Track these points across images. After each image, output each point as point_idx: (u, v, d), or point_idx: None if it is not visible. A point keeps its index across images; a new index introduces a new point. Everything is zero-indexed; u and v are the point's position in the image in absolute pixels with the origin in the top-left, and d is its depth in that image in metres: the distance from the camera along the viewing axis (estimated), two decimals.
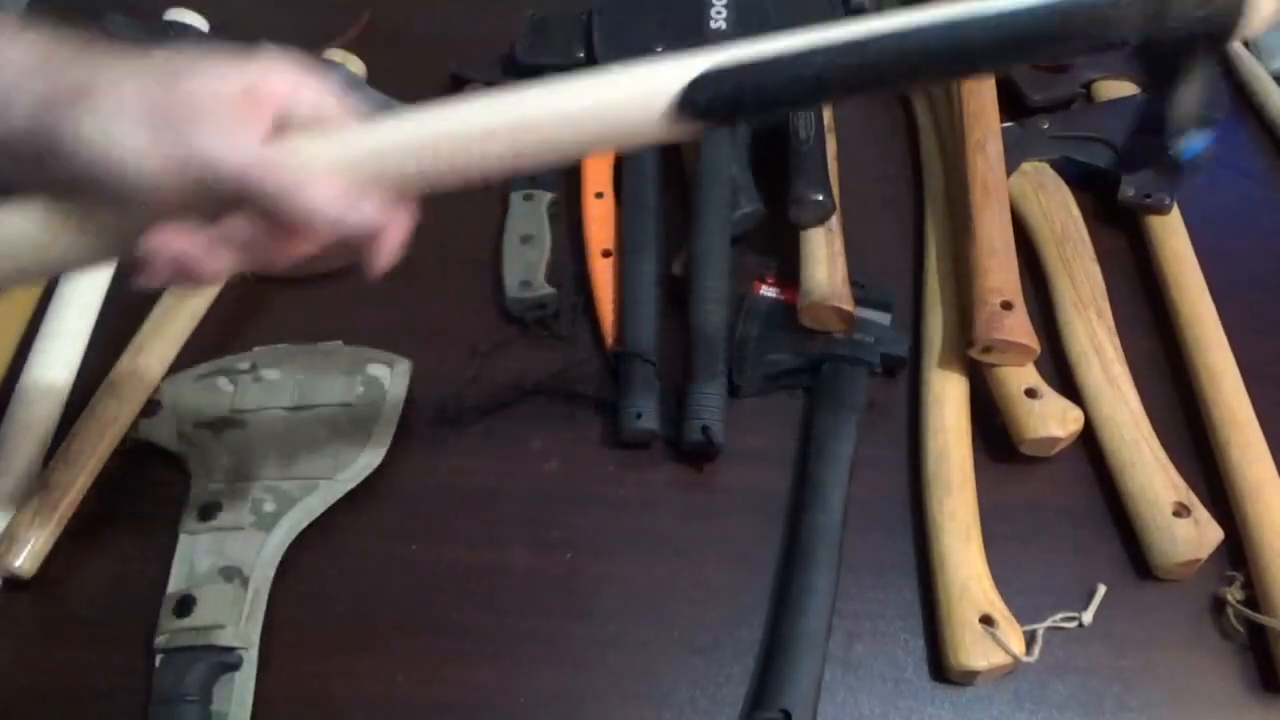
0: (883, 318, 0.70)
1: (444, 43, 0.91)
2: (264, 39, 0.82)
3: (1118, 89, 0.84)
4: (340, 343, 0.70)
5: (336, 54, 0.84)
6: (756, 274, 0.73)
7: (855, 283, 0.70)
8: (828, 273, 0.69)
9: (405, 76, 0.86)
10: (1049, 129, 0.80)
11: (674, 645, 0.58)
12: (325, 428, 0.65)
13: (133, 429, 0.66)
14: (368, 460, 0.64)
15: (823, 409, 0.66)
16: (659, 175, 0.77)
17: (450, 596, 0.60)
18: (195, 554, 0.60)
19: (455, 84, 0.87)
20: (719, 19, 0.80)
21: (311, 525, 0.62)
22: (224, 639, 0.56)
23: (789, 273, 0.72)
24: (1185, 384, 0.68)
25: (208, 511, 0.62)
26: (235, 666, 0.56)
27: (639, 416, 0.64)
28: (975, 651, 0.55)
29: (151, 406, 0.67)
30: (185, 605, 0.58)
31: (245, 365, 0.69)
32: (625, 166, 0.77)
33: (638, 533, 0.62)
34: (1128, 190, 0.76)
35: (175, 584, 0.60)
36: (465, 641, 0.58)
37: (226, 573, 0.59)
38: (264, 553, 0.60)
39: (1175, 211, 0.76)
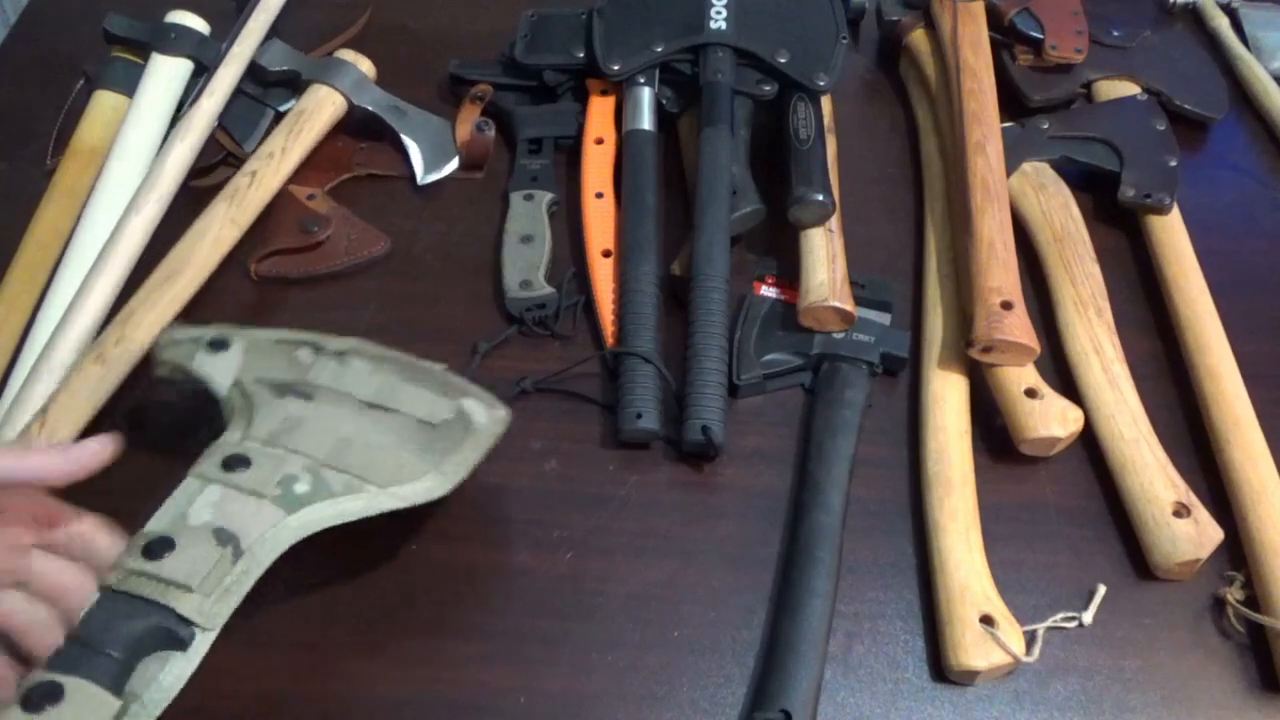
0: (883, 318, 0.70)
1: (444, 42, 0.91)
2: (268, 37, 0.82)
3: (1118, 89, 0.84)
4: (445, 367, 0.62)
5: (347, 54, 0.84)
6: (756, 274, 0.73)
7: (855, 283, 0.70)
8: (828, 273, 0.69)
9: (405, 76, 0.86)
10: (1049, 129, 0.80)
11: (674, 645, 0.58)
12: (395, 436, 0.58)
13: (188, 358, 0.61)
14: (430, 485, 0.56)
15: (823, 409, 0.66)
16: (659, 175, 0.77)
17: (450, 596, 0.60)
18: (197, 501, 0.53)
19: (455, 83, 0.87)
20: (719, 19, 0.80)
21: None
22: (185, 606, 0.49)
23: (789, 273, 0.72)
24: (1185, 384, 0.68)
25: (233, 464, 0.54)
26: (180, 645, 0.49)
27: (639, 416, 0.64)
28: (975, 651, 0.55)
29: (219, 344, 0.62)
30: (158, 549, 0.50)
31: (335, 347, 0.62)
32: (625, 166, 0.77)
33: (638, 533, 0.62)
34: (1128, 190, 0.77)
35: (157, 523, 0.52)
36: (466, 641, 0.58)
37: (222, 535, 0.51)
38: (273, 533, 0.52)
39: (1175, 211, 0.76)
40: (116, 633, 0.47)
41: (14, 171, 0.81)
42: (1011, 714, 0.56)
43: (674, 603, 0.60)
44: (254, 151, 0.79)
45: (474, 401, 0.60)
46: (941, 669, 0.57)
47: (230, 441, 0.56)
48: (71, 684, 0.46)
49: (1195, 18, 0.96)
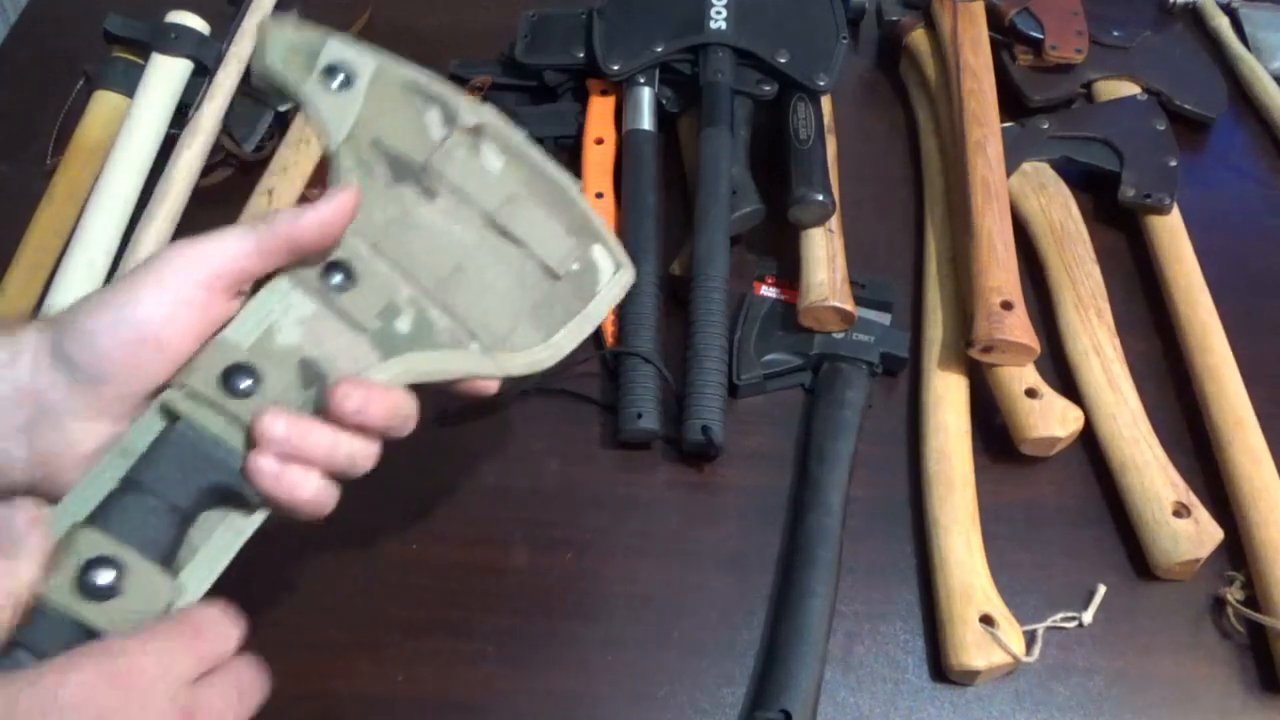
0: (883, 318, 0.70)
1: (444, 42, 0.90)
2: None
3: (1118, 89, 0.84)
4: (575, 181, 0.52)
5: None
6: (756, 274, 0.73)
7: (855, 283, 0.70)
8: (828, 273, 0.69)
9: None
10: (1049, 129, 0.80)
11: (674, 645, 0.58)
12: (515, 279, 0.49)
13: (298, 78, 0.49)
14: (538, 358, 0.49)
15: (823, 409, 0.66)
16: (659, 175, 0.77)
17: (450, 596, 0.60)
18: (285, 318, 0.45)
19: (455, 83, 0.87)
20: (719, 19, 0.80)
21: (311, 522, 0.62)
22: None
23: (789, 273, 0.72)
24: (1185, 384, 0.68)
25: (333, 270, 0.46)
26: (242, 507, 0.43)
27: (639, 416, 0.64)
28: (975, 651, 0.55)
29: (339, 73, 0.49)
30: (237, 377, 0.42)
31: (469, 120, 0.50)
32: (625, 166, 0.77)
33: (638, 533, 0.62)
34: (1128, 190, 0.77)
35: (240, 331, 0.44)
36: (465, 641, 0.58)
37: (308, 371, 0.44)
38: (370, 375, 0.45)
39: (1175, 211, 0.76)
40: (173, 469, 0.41)
41: (14, 171, 0.81)
42: (1011, 714, 0.56)
43: (674, 603, 0.60)
44: (255, 152, 0.79)
45: (603, 251, 0.52)
46: (941, 669, 0.57)
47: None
48: (130, 560, 0.39)
49: (1195, 18, 0.96)
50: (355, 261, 0.46)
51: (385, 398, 0.45)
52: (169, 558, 0.41)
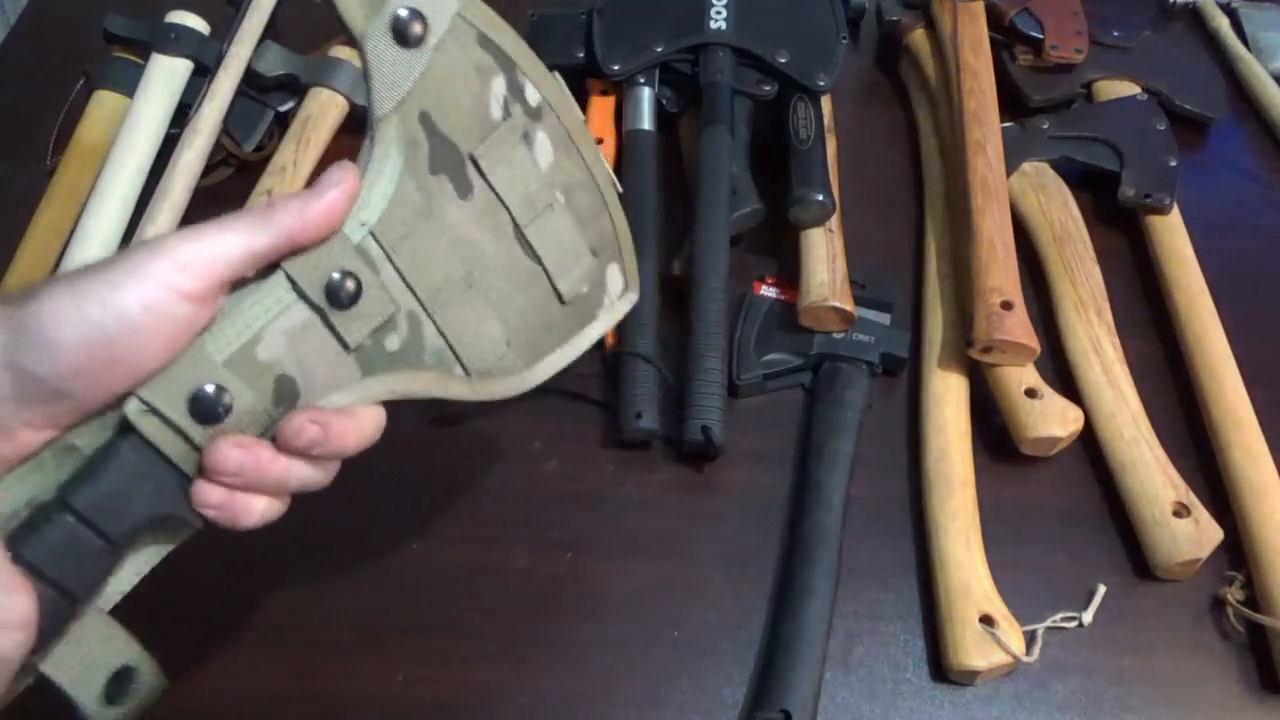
0: (883, 318, 0.70)
1: None
2: (265, 37, 0.82)
3: (1118, 89, 0.84)
4: (615, 184, 0.49)
5: (344, 51, 0.84)
6: (756, 274, 0.73)
7: (855, 283, 0.70)
8: (828, 273, 0.69)
9: None
10: (1049, 129, 0.80)
11: (674, 645, 0.58)
12: (521, 301, 0.46)
13: (361, 17, 0.42)
14: (510, 385, 0.47)
15: (822, 409, 0.66)
16: (659, 175, 0.77)
17: (450, 596, 0.60)
18: (272, 327, 0.40)
19: None
20: (719, 19, 0.80)
21: (309, 520, 0.62)
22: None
23: (789, 273, 0.72)
24: (1185, 384, 0.68)
25: (342, 282, 0.41)
26: (185, 527, 0.40)
27: (639, 416, 0.64)
28: (975, 651, 0.55)
29: (412, 25, 0.42)
30: (203, 399, 0.39)
31: (536, 98, 0.46)
32: (625, 166, 0.77)
33: (638, 533, 0.62)
34: (1128, 190, 0.77)
35: (215, 344, 0.39)
36: (465, 641, 0.58)
37: (282, 389, 0.40)
38: (332, 398, 0.42)
39: (1175, 211, 0.76)
40: (123, 507, 0.38)
41: (14, 171, 0.81)
42: (1011, 714, 0.56)
43: (674, 603, 0.60)
44: (255, 152, 0.80)
45: (617, 272, 0.49)
46: (941, 669, 0.57)
47: (350, 226, 0.41)
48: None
49: (1195, 18, 0.97)
50: (366, 273, 0.42)
51: (345, 427, 0.42)
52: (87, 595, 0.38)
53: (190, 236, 0.39)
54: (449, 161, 0.44)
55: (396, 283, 0.43)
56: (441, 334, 0.44)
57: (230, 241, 0.39)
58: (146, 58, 0.81)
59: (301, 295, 0.41)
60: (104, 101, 0.81)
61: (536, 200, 0.46)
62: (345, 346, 0.42)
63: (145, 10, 0.83)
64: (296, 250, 0.41)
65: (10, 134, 0.84)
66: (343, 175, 0.42)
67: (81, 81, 0.83)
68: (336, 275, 0.41)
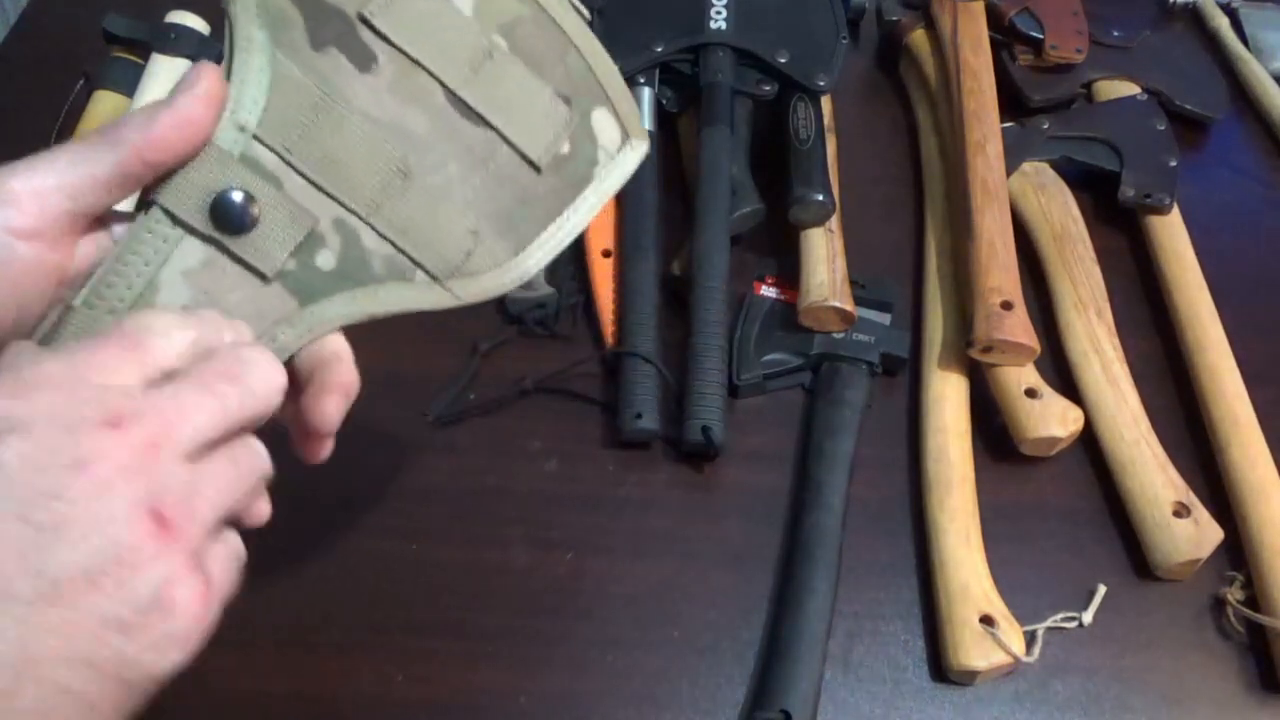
0: (883, 318, 0.70)
1: None
2: None
3: (1118, 89, 0.84)
4: (587, 25, 0.41)
5: None
6: (756, 274, 0.73)
7: (855, 283, 0.70)
8: (828, 273, 0.69)
9: None
10: (1049, 129, 0.80)
11: (674, 645, 0.58)
12: (480, 176, 0.39)
13: None
14: (505, 279, 0.39)
15: (822, 409, 0.66)
16: (659, 175, 0.77)
17: (450, 596, 0.60)
18: (166, 272, 0.35)
19: None
20: (719, 19, 0.80)
21: (309, 519, 0.62)
22: None
23: (789, 273, 0.72)
24: (1185, 384, 0.68)
25: (226, 211, 0.35)
26: None
27: (639, 416, 0.64)
28: (975, 651, 0.55)
29: None
30: None
31: None
32: None
33: (638, 533, 0.62)
34: (1128, 190, 0.77)
35: (95, 304, 0.35)
36: (465, 641, 0.58)
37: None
38: (279, 343, 0.37)
39: (1175, 211, 0.76)
40: None
41: None
42: (1011, 714, 0.56)
43: (674, 603, 0.60)
44: None
45: (607, 117, 0.40)
46: (941, 669, 0.57)
47: (222, 165, 0.35)
48: None
49: (1195, 18, 0.97)
50: (261, 186, 0.36)
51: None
52: None
53: (15, 168, 0.35)
54: (334, 30, 0.37)
55: (306, 190, 0.37)
56: (385, 238, 0.38)
57: (62, 166, 0.35)
58: (146, 58, 0.81)
59: (184, 226, 0.35)
60: (104, 101, 0.80)
61: (464, 53, 0.38)
62: (262, 276, 0.36)
63: (145, 10, 0.83)
64: (163, 175, 0.35)
65: (10, 134, 0.84)
66: (198, 75, 0.36)
67: (81, 81, 0.83)
68: (222, 194, 0.35)
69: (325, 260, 0.37)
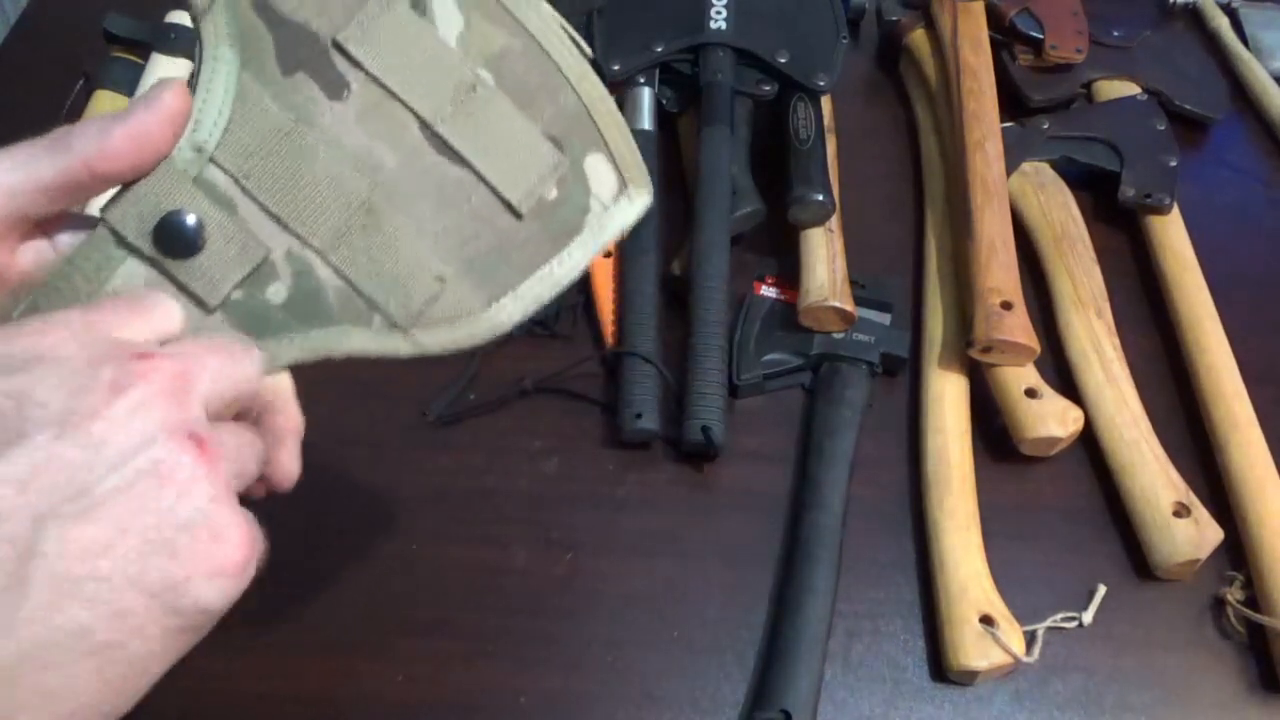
0: (883, 318, 0.70)
1: None
2: None
3: (1118, 89, 0.84)
4: (588, 62, 0.38)
5: None
6: (756, 274, 0.73)
7: (855, 283, 0.70)
8: (828, 273, 0.69)
9: None
10: (1049, 129, 0.80)
11: (674, 645, 0.58)
12: (451, 217, 0.36)
13: None
14: (473, 331, 0.37)
15: (822, 409, 0.66)
16: (659, 175, 0.77)
17: (450, 596, 0.60)
18: (104, 292, 0.35)
19: None
20: (719, 19, 0.80)
21: (309, 519, 0.62)
22: None
23: (789, 273, 0.72)
24: (1185, 384, 0.68)
25: (174, 231, 0.34)
26: None
27: (639, 416, 0.64)
28: (975, 651, 0.55)
29: None
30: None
31: None
32: None
33: (638, 533, 0.62)
34: (1128, 190, 0.77)
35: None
36: (465, 641, 0.58)
37: None
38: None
39: (1175, 211, 0.76)
40: None
41: None
42: (1011, 714, 0.56)
43: (674, 602, 0.60)
44: None
45: (603, 163, 0.37)
46: (941, 669, 0.57)
47: (181, 155, 0.34)
48: None
49: (1195, 18, 0.97)
50: (210, 209, 0.34)
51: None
52: None
53: None
54: (306, 54, 0.35)
55: (261, 219, 0.35)
56: (342, 275, 0.36)
57: (6, 166, 0.34)
58: (146, 58, 0.81)
59: (127, 246, 0.34)
60: (104, 101, 0.80)
61: (445, 85, 0.36)
62: (203, 306, 0.34)
63: (145, 10, 0.83)
64: (117, 188, 0.34)
65: (10, 134, 0.84)
66: (160, 91, 0.34)
67: (81, 81, 0.83)
68: (169, 216, 0.34)
69: (276, 293, 0.35)
